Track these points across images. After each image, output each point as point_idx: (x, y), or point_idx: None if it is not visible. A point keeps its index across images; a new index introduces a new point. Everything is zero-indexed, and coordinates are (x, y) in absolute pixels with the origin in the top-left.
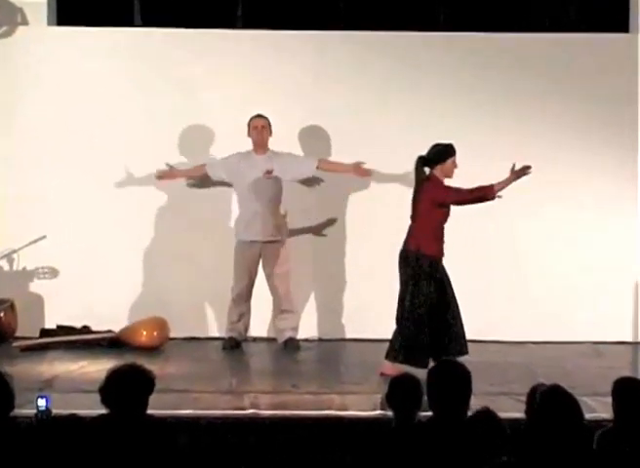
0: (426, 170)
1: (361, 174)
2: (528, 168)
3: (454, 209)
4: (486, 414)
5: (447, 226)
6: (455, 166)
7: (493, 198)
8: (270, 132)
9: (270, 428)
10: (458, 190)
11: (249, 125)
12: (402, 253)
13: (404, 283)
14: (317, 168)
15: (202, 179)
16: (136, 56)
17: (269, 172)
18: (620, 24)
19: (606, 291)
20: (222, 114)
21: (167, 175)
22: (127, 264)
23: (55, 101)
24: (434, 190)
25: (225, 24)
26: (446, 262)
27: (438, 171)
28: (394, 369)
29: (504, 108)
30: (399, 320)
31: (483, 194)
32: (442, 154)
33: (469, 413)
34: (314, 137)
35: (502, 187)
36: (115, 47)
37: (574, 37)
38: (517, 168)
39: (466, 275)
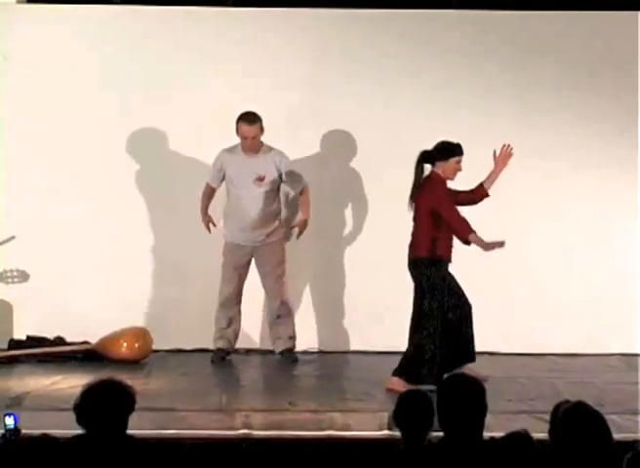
0: (428, 166)
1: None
2: (508, 153)
3: (469, 210)
4: (520, 438)
5: None
6: (458, 168)
7: (467, 242)
8: (262, 131)
9: (264, 450)
10: (451, 210)
11: (237, 125)
12: (411, 260)
13: (417, 291)
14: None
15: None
16: (116, 35)
17: (261, 178)
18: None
19: (636, 299)
20: (210, 98)
21: (206, 220)
22: (105, 269)
23: (23, 86)
24: (431, 196)
25: (215, 2)
26: (461, 270)
27: (439, 169)
28: (402, 384)
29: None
30: (412, 331)
31: (463, 235)
32: (445, 151)
33: (502, 434)
34: (312, 122)
35: (477, 242)
36: (92, 26)
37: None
38: (497, 153)
39: (482, 282)
